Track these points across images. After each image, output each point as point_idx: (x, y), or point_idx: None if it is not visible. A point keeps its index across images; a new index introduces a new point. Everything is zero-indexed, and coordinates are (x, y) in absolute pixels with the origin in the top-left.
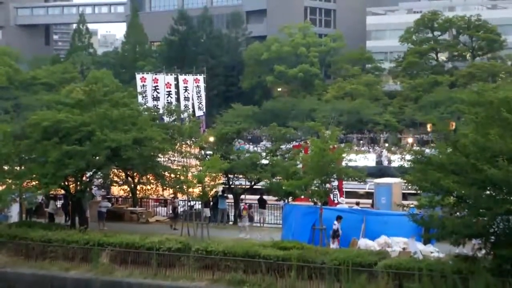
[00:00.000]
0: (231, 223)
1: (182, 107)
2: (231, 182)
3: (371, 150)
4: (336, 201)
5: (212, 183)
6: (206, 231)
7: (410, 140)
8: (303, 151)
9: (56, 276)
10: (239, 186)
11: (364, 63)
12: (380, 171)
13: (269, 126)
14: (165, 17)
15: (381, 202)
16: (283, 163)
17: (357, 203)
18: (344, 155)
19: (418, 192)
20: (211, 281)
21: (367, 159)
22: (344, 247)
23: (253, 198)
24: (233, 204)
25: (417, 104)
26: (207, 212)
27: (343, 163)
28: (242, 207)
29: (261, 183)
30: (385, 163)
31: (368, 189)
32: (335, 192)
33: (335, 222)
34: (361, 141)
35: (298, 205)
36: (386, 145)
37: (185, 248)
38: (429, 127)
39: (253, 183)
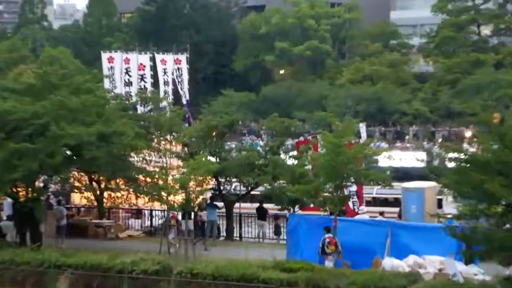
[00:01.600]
0: (222, 238)
1: (161, 94)
2: (222, 188)
3: (412, 146)
4: (356, 210)
5: (199, 188)
6: (191, 249)
7: (467, 134)
8: (312, 148)
9: None
10: (232, 193)
11: (388, 38)
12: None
13: (269, 117)
14: None
15: (410, 211)
16: (287, 163)
17: (381, 213)
18: (367, 151)
19: (456, 198)
20: None
21: (415, 159)
22: (363, 268)
23: (250, 207)
24: (225, 215)
25: (454, 89)
26: (190, 225)
27: (378, 164)
28: (171, 215)
29: (260, 188)
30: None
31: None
32: (353, 200)
33: (324, 236)
34: (385, 135)
35: (307, 215)
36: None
37: (164, 270)
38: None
39: (249, 188)
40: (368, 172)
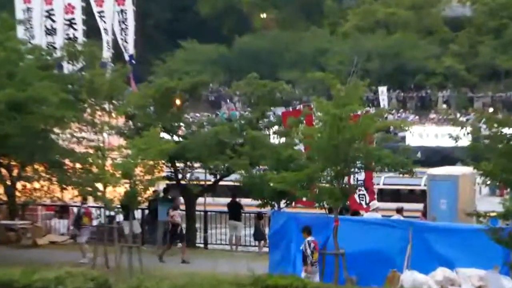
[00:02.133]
0: (179, 245)
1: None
2: (181, 176)
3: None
4: (364, 206)
5: (148, 177)
6: (138, 260)
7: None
8: (304, 121)
9: None
10: (194, 183)
11: None
12: None
13: (246, 78)
14: None
15: (439, 206)
16: (270, 142)
17: (399, 210)
18: (380, 123)
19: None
20: None
21: (445, 136)
22: (373, 285)
23: (219, 203)
24: (185, 213)
25: (500, 39)
26: (136, 227)
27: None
28: (83, 210)
29: (233, 177)
30: None
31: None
32: (361, 192)
33: (306, 240)
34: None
35: (298, 214)
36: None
37: None
38: None
39: (218, 177)
40: (381, 154)
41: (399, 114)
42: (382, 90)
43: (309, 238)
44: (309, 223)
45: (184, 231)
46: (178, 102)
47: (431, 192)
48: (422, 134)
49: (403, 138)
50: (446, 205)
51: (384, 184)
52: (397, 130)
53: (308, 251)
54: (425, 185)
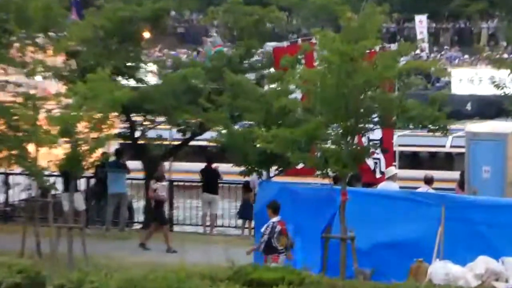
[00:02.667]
0: (137, 226)
1: None
2: (139, 135)
3: None
4: (379, 175)
5: (95, 135)
6: (81, 246)
7: None
8: (302, 61)
9: None
10: (156, 143)
11: None
12: None
13: (226, 3)
14: None
15: (481, 175)
16: (257, 88)
17: (428, 180)
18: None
19: None
20: None
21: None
22: (393, 279)
23: (189, 170)
24: (144, 183)
25: None
26: (79, 202)
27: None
28: None
29: (208, 135)
30: None
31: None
32: (376, 156)
33: (271, 221)
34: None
35: (294, 185)
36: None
37: (32, 285)
38: None
39: (189, 135)
40: (404, 105)
41: (442, 53)
42: (421, 19)
43: (275, 219)
44: (311, 198)
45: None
46: (136, 35)
47: (470, 156)
48: (474, 79)
49: (447, 85)
50: (490, 174)
51: (396, 146)
52: (438, 74)
53: (267, 235)
54: (451, 146)
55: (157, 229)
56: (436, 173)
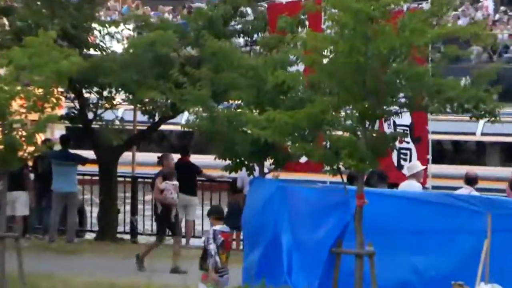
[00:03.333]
0: (90, 236)
1: None
2: (91, 116)
3: None
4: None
5: (35, 116)
6: (16, 260)
7: None
8: (306, 22)
9: None
10: (115, 127)
11: None
12: None
13: None
14: None
15: None
16: (245, 57)
17: (470, 180)
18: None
19: None
20: None
21: None
22: None
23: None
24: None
25: None
26: (19, 202)
27: None
28: None
29: (183, 118)
30: None
31: None
32: (404, 146)
33: (212, 229)
34: None
35: (291, 183)
36: None
37: None
38: None
39: (157, 118)
40: (440, 83)
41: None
42: None
43: (218, 227)
44: (312, 200)
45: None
46: None
47: None
48: None
49: None
50: None
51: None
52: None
53: (211, 247)
54: (483, 134)
55: (161, 240)
56: (480, 170)
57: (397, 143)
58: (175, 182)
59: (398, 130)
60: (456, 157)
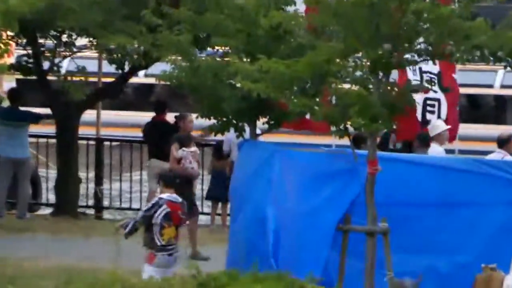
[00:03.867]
0: (47, 210)
1: None
2: (47, 66)
3: None
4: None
5: None
6: None
7: None
8: None
9: None
10: (77, 79)
11: None
12: None
13: None
14: None
15: None
16: None
17: (503, 142)
18: None
19: None
20: None
21: None
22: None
23: (127, 124)
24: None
25: None
26: None
27: None
28: None
29: (159, 69)
30: None
31: None
32: (430, 97)
33: (158, 197)
34: None
35: (289, 147)
36: None
37: None
38: None
39: (127, 68)
40: (469, 27)
41: None
42: None
43: (165, 195)
44: (314, 167)
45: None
46: None
47: None
48: None
49: None
50: None
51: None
52: None
53: (139, 214)
54: (503, 86)
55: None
56: (478, 127)
57: (421, 93)
58: (194, 149)
59: (425, 77)
60: (474, 115)
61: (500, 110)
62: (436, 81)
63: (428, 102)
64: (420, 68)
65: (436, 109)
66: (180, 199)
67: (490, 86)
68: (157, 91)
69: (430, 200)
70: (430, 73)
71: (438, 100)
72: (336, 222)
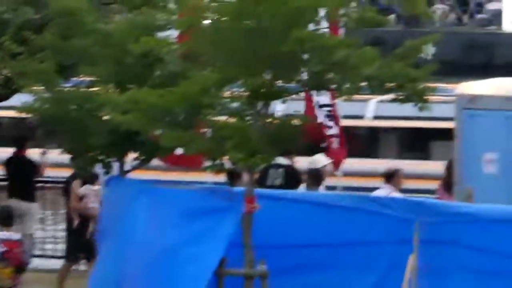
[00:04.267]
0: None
1: None
2: None
3: None
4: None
5: None
6: None
7: None
8: None
9: None
10: None
11: None
12: None
13: None
14: None
15: (480, 169)
16: (101, 19)
17: (390, 175)
18: None
19: None
20: None
21: None
22: None
23: None
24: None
25: None
26: None
27: None
28: None
29: (17, 100)
30: None
31: None
32: (329, 124)
33: None
34: None
35: (161, 184)
36: None
37: None
38: None
39: None
40: (354, 56)
41: None
42: None
43: (2, 234)
44: (186, 206)
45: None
46: None
47: (463, 136)
48: None
49: (497, 17)
50: (497, 165)
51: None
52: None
53: None
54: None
55: (72, 265)
56: (407, 165)
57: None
58: (98, 187)
59: (321, 111)
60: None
61: (372, 143)
62: (331, 114)
63: (333, 138)
64: (317, 102)
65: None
66: (18, 237)
67: (361, 117)
68: (19, 124)
69: (314, 240)
70: (326, 105)
71: (336, 137)
72: (210, 265)
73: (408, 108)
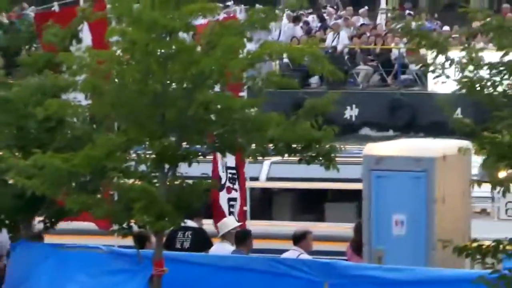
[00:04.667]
0: None
1: None
2: None
3: None
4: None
5: None
6: None
7: None
8: (88, 34)
9: None
10: None
11: None
12: None
13: None
14: None
15: (389, 230)
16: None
17: (298, 237)
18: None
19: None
20: None
21: None
22: None
23: None
24: None
25: None
26: None
27: None
28: None
29: None
30: None
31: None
32: (233, 195)
33: None
34: None
35: (69, 247)
36: None
37: None
38: None
39: None
40: (255, 119)
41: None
42: None
43: None
44: (88, 267)
45: None
46: None
47: (372, 197)
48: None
49: (421, 78)
50: (405, 227)
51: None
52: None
53: None
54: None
55: None
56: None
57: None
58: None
59: (228, 174)
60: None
61: (266, 205)
62: (236, 177)
63: (230, 202)
64: (225, 163)
65: (235, 209)
66: None
67: (256, 179)
68: None
69: None
70: (231, 168)
71: (236, 199)
72: None
73: (303, 169)
